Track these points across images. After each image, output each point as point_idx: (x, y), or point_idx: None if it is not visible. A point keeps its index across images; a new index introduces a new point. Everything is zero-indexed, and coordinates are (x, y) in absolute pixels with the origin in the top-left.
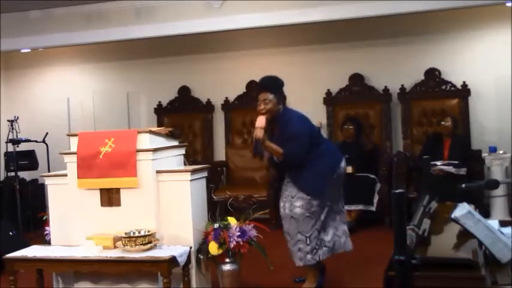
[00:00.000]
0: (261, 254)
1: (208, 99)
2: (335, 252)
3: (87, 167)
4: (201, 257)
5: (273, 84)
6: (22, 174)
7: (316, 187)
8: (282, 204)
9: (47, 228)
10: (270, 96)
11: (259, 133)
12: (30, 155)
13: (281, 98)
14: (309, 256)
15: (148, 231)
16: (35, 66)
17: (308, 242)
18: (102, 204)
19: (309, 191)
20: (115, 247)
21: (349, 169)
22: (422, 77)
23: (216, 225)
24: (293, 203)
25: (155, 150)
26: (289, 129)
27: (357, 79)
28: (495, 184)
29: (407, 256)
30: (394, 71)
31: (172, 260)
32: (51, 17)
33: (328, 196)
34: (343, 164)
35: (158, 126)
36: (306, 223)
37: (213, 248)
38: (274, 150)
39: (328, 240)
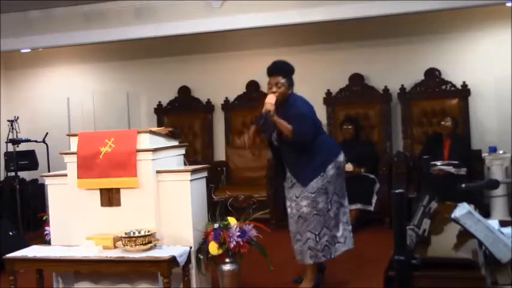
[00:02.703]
0: (261, 254)
1: (208, 99)
2: (349, 249)
3: (87, 167)
4: (201, 257)
5: (285, 69)
6: (22, 174)
7: (316, 180)
8: (288, 203)
9: (47, 228)
10: (282, 80)
11: (269, 106)
12: (30, 155)
13: (291, 83)
14: (320, 254)
15: (148, 231)
16: (35, 66)
17: (318, 239)
18: (102, 204)
19: (310, 184)
20: (115, 247)
21: (350, 167)
22: (422, 77)
23: (216, 225)
24: (299, 202)
25: (155, 150)
26: (295, 109)
27: (357, 79)
28: (495, 184)
29: (407, 256)
30: (394, 71)
31: (172, 260)
32: (51, 17)
33: (333, 190)
34: (341, 157)
35: (158, 126)
36: (314, 221)
37: (213, 248)
38: (283, 126)
39: (339, 235)
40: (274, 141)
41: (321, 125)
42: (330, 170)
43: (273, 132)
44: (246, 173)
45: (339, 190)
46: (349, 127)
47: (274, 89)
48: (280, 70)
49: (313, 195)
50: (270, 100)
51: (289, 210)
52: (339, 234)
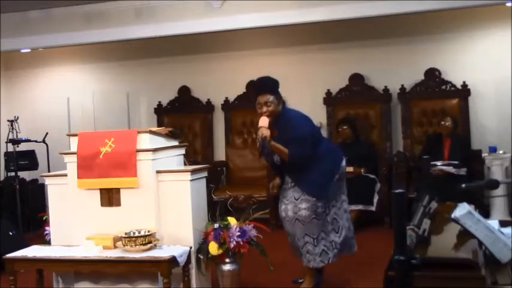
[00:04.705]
0: (261, 254)
1: (208, 99)
2: (342, 254)
3: (87, 167)
4: (201, 257)
5: (271, 85)
6: (22, 174)
7: (321, 189)
8: (283, 206)
9: (47, 228)
10: (271, 98)
11: (265, 132)
12: (30, 155)
13: (280, 98)
14: (318, 258)
15: (148, 231)
16: (35, 66)
17: (316, 243)
18: (102, 204)
19: (315, 194)
20: (115, 247)
21: (350, 168)
22: (422, 77)
23: (216, 225)
24: (297, 205)
25: (155, 150)
26: (292, 130)
27: (357, 79)
28: (495, 184)
29: (407, 256)
30: (394, 71)
31: (172, 260)
32: (51, 17)
33: (333, 195)
34: (343, 162)
35: (158, 126)
36: (312, 225)
37: (213, 248)
38: (280, 150)
39: (339, 242)
40: (277, 162)
41: (320, 133)
42: (335, 176)
43: (273, 156)
44: (246, 173)
45: (337, 194)
46: (344, 127)
47: (264, 109)
48: (268, 87)
49: (314, 199)
50: (264, 123)
51: (283, 213)
52: (340, 240)
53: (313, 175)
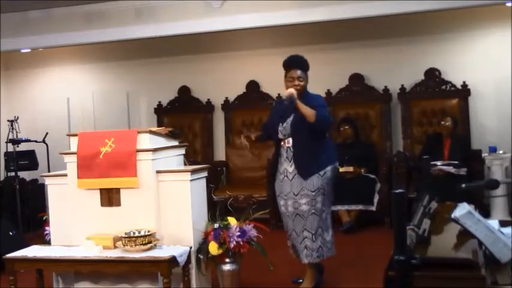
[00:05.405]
0: (261, 254)
1: (208, 99)
2: (332, 255)
3: (87, 167)
4: (201, 257)
5: (304, 63)
6: (22, 174)
7: (317, 177)
8: (282, 201)
9: (47, 228)
10: (303, 75)
11: (294, 91)
12: (30, 155)
13: (307, 78)
14: (314, 254)
15: (148, 231)
16: (35, 66)
17: (314, 239)
18: (102, 204)
19: (309, 181)
20: (115, 247)
21: (350, 168)
22: (422, 77)
23: (216, 225)
24: (297, 200)
25: (155, 150)
26: (316, 102)
27: (357, 79)
28: (495, 184)
29: (407, 256)
30: (394, 71)
31: (172, 260)
32: (51, 17)
33: (328, 193)
34: (337, 163)
35: (158, 126)
36: (311, 220)
37: (213, 248)
38: (306, 110)
39: (328, 240)
40: (281, 132)
41: None
42: (329, 171)
43: (281, 122)
44: (246, 173)
45: (331, 194)
46: (346, 127)
47: (296, 82)
48: (301, 64)
49: (313, 193)
50: (292, 90)
51: (283, 208)
52: (329, 238)
53: (314, 162)
